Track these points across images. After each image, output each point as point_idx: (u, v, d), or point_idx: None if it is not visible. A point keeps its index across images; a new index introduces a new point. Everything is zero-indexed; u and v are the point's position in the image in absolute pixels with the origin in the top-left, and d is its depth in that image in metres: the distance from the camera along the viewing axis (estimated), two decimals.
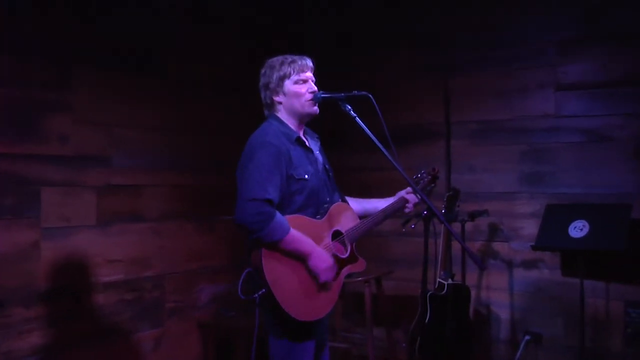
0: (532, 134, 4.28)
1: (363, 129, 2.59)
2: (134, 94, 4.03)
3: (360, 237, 2.79)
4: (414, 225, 3.53)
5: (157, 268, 4.15)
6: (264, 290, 2.44)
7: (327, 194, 2.73)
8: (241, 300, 2.51)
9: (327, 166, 2.81)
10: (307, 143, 2.72)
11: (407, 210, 2.97)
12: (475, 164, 4.50)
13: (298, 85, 2.64)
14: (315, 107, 2.67)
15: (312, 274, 2.55)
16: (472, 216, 4.14)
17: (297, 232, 2.50)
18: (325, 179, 2.75)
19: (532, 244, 3.93)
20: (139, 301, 4.04)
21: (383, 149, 2.56)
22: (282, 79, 2.64)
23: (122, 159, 3.94)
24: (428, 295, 3.81)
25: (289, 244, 2.47)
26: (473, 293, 4.22)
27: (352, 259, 2.74)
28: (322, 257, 2.55)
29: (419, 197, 2.72)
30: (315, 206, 2.65)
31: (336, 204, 2.74)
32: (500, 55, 4.39)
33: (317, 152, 2.77)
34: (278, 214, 2.46)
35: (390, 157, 2.55)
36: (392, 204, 2.94)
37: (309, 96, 2.64)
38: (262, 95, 2.73)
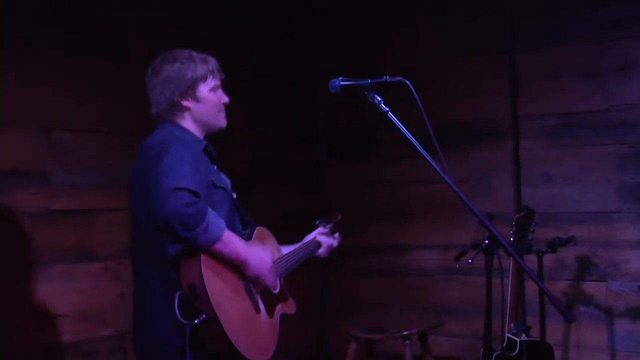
0: (636, 130, 4.28)
1: (398, 128, 2.59)
2: (82, 84, 4.01)
3: (288, 273, 3.07)
4: (472, 259, 3.51)
5: (116, 324, 4.09)
6: (204, 316, 2.47)
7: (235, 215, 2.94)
8: None
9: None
10: (214, 155, 2.93)
11: (320, 253, 3.36)
12: (554, 173, 4.52)
13: (214, 92, 2.90)
14: (225, 121, 2.94)
15: (252, 286, 2.75)
16: (553, 246, 4.10)
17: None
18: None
19: None
20: None
21: (426, 155, 2.56)
22: (198, 80, 2.85)
23: (65, 174, 3.92)
24: (494, 356, 3.79)
25: (229, 245, 2.62)
26: (557, 354, 4.18)
27: (282, 298, 2.99)
28: (260, 255, 2.76)
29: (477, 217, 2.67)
30: (234, 228, 2.83)
31: (261, 227, 3.01)
32: (590, 19, 4.38)
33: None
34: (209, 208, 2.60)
35: (435, 166, 2.56)
36: (302, 245, 3.25)
37: (222, 107, 2.92)
38: (159, 91, 2.88)
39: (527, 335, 3.90)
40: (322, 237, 3.36)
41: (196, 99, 2.85)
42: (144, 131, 4.21)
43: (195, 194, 2.53)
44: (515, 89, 4.60)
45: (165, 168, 2.57)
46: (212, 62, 2.91)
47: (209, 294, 2.51)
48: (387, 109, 2.62)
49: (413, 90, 2.60)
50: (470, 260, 3.54)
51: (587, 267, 4.36)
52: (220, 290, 2.58)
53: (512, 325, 3.90)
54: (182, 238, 2.50)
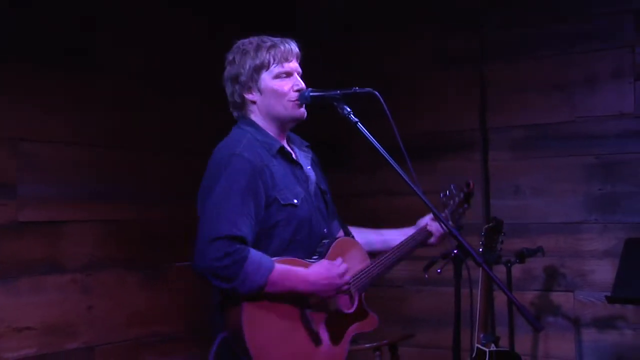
0: (602, 142, 4.31)
1: (368, 139, 2.59)
2: (50, 95, 3.99)
3: (371, 285, 2.83)
4: (441, 269, 3.45)
5: (84, 337, 4.09)
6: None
7: (323, 224, 2.75)
8: None
9: (322, 187, 2.84)
10: (293, 155, 2.74)
11: (431, 242, 3.08)
12: (522, 184, 4.54)
13: (280, 80, 2.67)
14: (303, 110, 2.70)
15: (312, 317, 2.54)
16: (521, 256, 4.12)
17: (282, 264, 2.49)
18: (319, 205, 2.77)
19: (608, 294, 3.88)
20: None
21: (395, 165, 2.56)
22: (258, 70, 2.66)
23: (33, 186, 3.89)
24: None
25: (278, 285, 2.46)
26: None
27: (360, 315, 2.76)
28: (321, 278, 2.55)
29: (445, 227, 2.71)
30: (307, 243, 2.66)
31: (341, 239, 2.78)
32: (557, 33, 4.41)
33: (308, 168, 2.79)
34: (252, 250, 2.46)
35: (404, 176, 2.55)
36: (411, 237, 2.99)
37: (293, 95, 2.67)
38: (228, 91, 2.74)
39: (496, 345, 3.89)
40: (435, 225, 3.00)
41: (259, 90, 2.66)
42: (113, 143, 4.24)
43: (237, 239, 2.41)
44: (484, 101, 4.62)
45: (211, 207, 2.46)
46: (280, 47, 2.66)
47: (247, 342, 2.40)
48: (356, 119, 2.60)
49: (382, 101, 2.58)
50: (439, 271, 3.48)
51: (554, 278, 4.37)
52: (264, 334, 2.45)
53: (481, 335, 3.90)
54: (222, 289, 2.43)
